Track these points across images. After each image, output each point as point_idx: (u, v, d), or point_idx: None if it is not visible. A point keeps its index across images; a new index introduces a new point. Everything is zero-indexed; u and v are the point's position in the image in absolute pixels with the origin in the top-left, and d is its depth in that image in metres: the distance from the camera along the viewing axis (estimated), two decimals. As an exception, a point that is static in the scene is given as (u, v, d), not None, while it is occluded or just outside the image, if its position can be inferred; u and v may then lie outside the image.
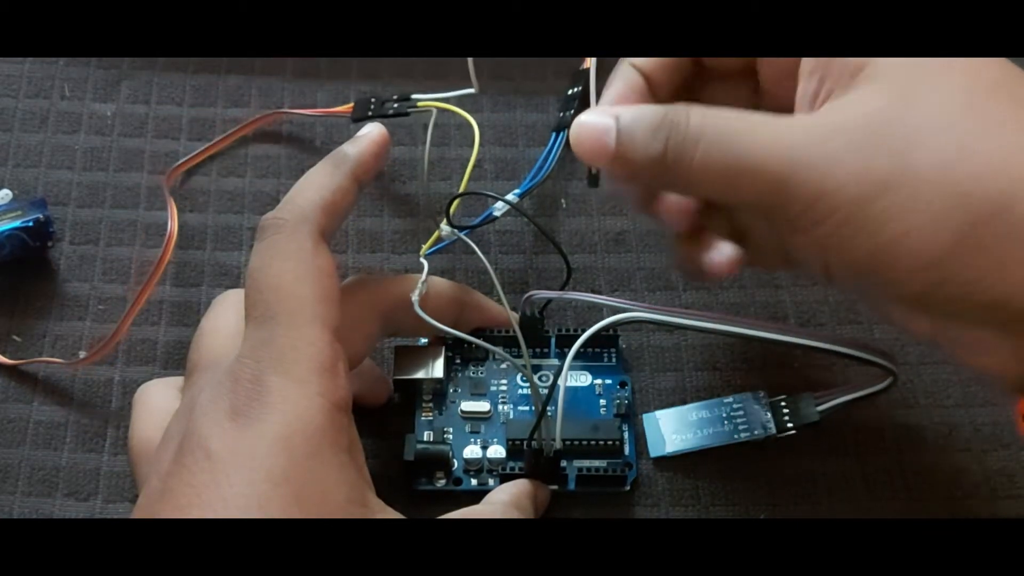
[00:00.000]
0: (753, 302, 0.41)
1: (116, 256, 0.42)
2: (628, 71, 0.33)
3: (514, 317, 0.38)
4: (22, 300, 0.41)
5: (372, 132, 0.35)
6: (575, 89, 0.45)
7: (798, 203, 0.28)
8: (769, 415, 0.37)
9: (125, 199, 0.43)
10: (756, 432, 0.37)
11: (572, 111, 0.44)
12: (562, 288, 0.37)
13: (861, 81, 0.28)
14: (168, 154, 0.44)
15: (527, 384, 0.38)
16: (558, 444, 0.35)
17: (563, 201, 0.43)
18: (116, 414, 0.39)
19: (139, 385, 0.35)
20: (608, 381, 0.38)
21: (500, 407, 0.38)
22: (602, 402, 0.38)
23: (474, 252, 0.35)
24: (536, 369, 0.39)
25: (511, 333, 0.37)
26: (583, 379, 0.39)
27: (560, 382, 0.34)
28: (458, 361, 0.39)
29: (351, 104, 0.43)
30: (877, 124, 0.27)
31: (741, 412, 0.37)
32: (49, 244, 0.41)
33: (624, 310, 0.35)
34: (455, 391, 0.38)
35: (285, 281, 0.31)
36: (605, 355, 0.39)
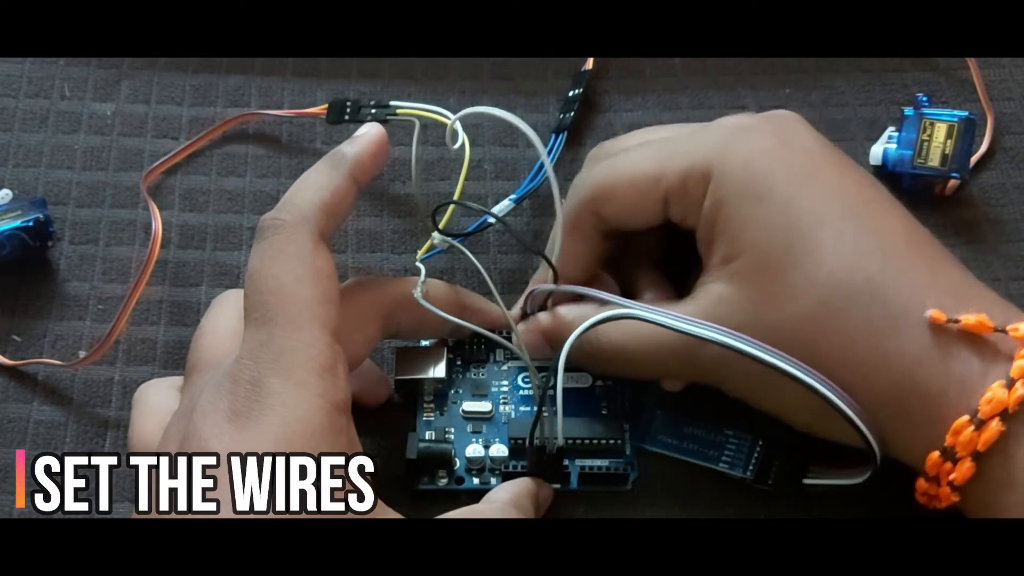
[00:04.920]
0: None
1: (116, 256, 0.42)
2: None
3: (513, 318, 0.38)
4: (22, 300, 0.41)
5: (370, 132, 0.35)
6: (576, 91, 0.45)
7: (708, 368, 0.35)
8: (755, 466, 0.36)
9: (125, 199, 0.43)
10: (735, 471, 0.36)
11: (572, 113, 0.44)
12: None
13: (731, 276, 0.34)
14: (168, 154, 0.44)
15: (528, 385, 0.38)
16: (560, 440, 0.35)
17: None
18: (116, 414, 0.39)
19: (139, 385, 0.36)
20: (609, 381, 0.38)
21: (502, 407, 0.38)
22: (603, 402, 0.38)
23: (472, 254, 0.35)
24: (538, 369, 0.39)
25: (510, 334, 0.37)
26: (584, 379, 0.38)
27: (559, 366, 0.34)
28: (459, 362, 0.39)
29: (324, 106, 0.43)
30: (745, 325, 0.33)
31: (733, 448, 0.37)
32: (49, 244, 0.41)
33: (624, 307, 0.35)
34: (456, 392, 0.38)
35: (285, 282, 0.31)
36: (606, 355, 0.39)
